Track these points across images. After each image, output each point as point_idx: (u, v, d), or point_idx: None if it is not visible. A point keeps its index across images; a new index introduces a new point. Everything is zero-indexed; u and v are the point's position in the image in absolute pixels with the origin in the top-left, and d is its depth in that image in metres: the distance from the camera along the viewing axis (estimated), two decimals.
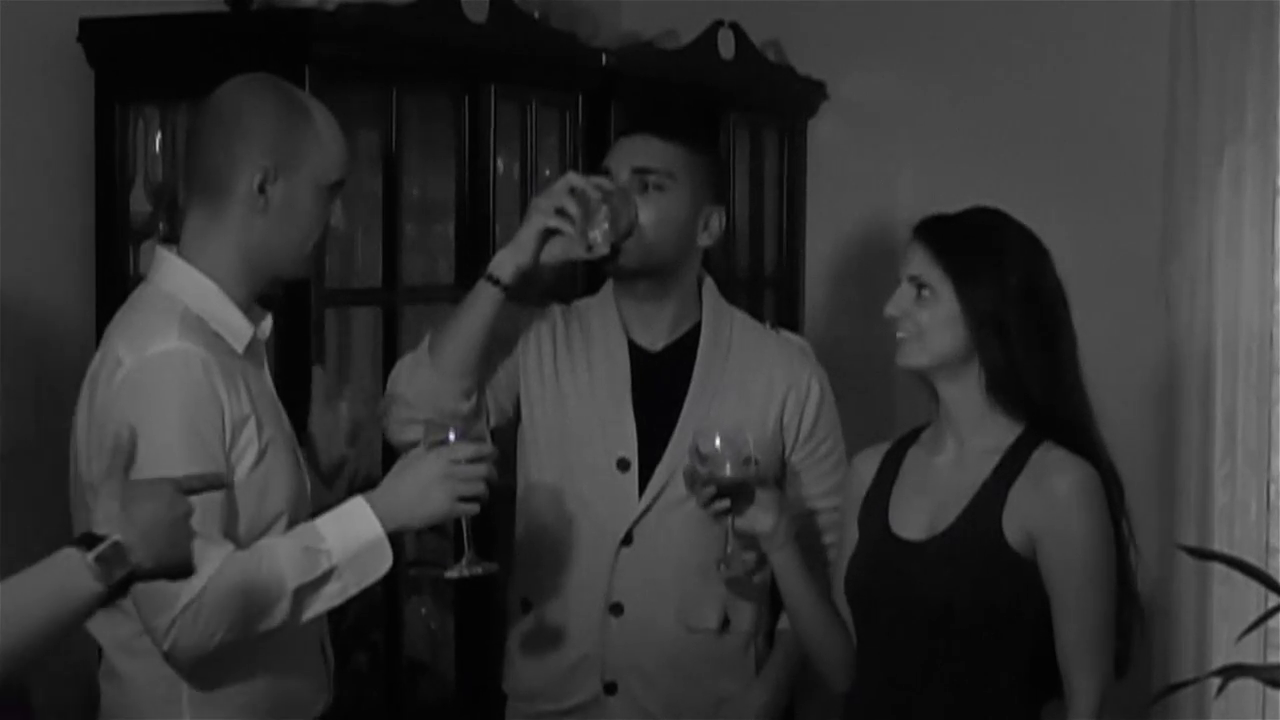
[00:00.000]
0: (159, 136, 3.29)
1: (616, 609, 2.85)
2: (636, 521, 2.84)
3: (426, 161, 3.57)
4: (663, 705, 2.85)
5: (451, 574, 2.56)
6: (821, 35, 4.40)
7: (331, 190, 2.51)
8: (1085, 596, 2.49)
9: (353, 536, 2.40)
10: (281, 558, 2.36)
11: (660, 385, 2.86)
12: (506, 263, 2.74)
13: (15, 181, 3.15)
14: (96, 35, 3.23)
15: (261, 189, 2.44)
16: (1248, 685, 3.70)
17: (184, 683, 2.42)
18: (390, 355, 3.34)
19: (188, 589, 2.29)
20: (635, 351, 2.89)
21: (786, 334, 3.18)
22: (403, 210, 3.41)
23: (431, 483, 2.44)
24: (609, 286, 2.93)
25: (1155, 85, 3.96)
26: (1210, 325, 3.92)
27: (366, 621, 3.37)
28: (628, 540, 2.84)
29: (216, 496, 2.32)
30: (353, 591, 2.42)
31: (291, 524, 2.47)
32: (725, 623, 2.89)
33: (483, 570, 2.55)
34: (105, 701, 2.52)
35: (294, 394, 2.74)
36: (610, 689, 2.85)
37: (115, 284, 3.20)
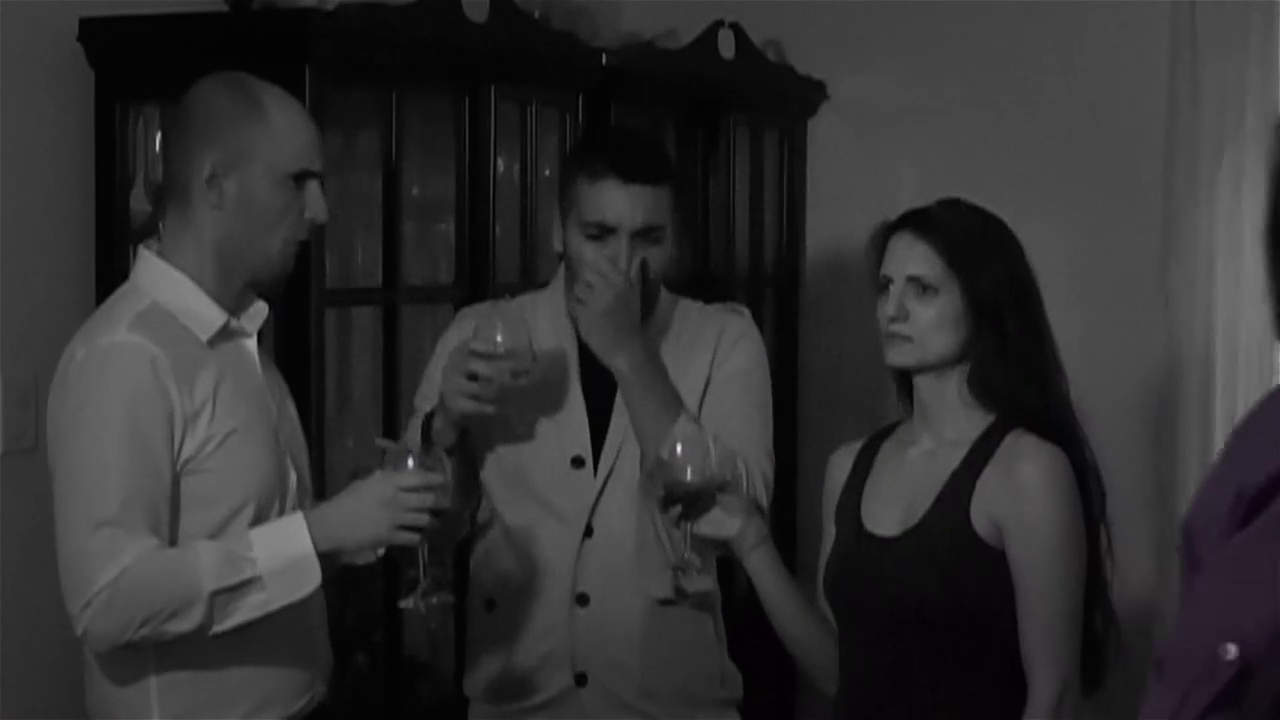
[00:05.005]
0: (159, 136, 3.29)
1: (582, 599, 2.85)
2: (593, 512, 2.84)
3: (426, 161, 3.57)
4: (634, 690, 2.85)
5: (405, 604, 2.53)
6: (821, 35, 4.40)
7: (297, 180, 2.48)
8: (1046, 585, 2.43)
9: (282, 549, 2.37)
10: (203, 559, 2.34)
11: (607, 377, 2.85)
12: (447, 435, 2.76)
13: (15, 181, 3.15)
14: (96, 35, 3.23)
15: (211, 183, 2.44)
16: None
17: (151, 670, 2.43)
18: (390, 355, 3.34)
19: (103, 574, 2.30)
20: (583, 346, 2.87)
21: (726, 304, 3.14)
22: (403, 210, 3.40)
23: (373, 507, 2.41)
24: (559, 283, 2.91)
25: (1155, 85, 3.95)
26: (1210, 325, 3.91)
27: (366, 621, 3.37)
28: (588, 532, 2.85)
29: (144, 488, 2.33)
30: (277, 605, 2.37)
31: (260, 513, 2.46)
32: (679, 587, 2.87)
33: (438, 601, 2.52)
34: (87, 694, 2.53)
35: (293, 393, 2.74)
36: (581, 680, 2.85)
37: (115, 284, 3.16)
